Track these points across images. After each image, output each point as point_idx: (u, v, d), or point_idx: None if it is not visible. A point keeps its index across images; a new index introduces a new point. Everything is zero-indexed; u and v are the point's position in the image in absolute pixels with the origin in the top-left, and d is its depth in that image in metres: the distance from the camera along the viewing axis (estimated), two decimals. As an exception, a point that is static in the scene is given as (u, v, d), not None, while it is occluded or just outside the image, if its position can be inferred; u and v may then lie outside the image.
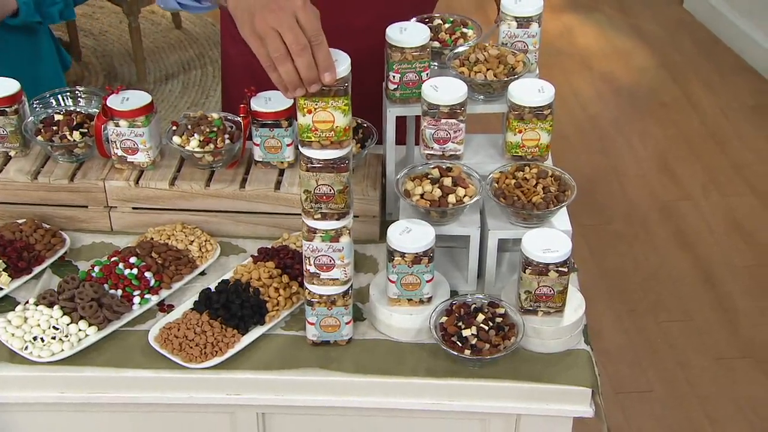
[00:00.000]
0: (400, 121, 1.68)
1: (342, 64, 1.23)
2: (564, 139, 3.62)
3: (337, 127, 1.26)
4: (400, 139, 1.73)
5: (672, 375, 2.70)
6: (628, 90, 4.02)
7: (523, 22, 1.62)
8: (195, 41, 4.27)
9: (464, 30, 1.69)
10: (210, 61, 4.13)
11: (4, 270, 1.54)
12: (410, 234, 1.42)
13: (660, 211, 3.32)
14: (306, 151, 1.28)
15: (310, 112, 1.25)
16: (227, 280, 1.52)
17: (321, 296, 1.40)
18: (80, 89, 1.81)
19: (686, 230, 3.24)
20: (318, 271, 1.37)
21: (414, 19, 1.63)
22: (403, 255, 1.41)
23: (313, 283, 1.39)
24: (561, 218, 1.50)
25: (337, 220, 1.33)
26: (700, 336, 2.83)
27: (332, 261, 1.36)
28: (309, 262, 1.37)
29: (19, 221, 1.64)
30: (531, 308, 1.44)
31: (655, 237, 3.21)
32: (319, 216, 1.33)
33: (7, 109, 1.66)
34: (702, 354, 2.76)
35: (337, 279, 1.38)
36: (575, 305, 1.47)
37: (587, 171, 3.49)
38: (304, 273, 1.39)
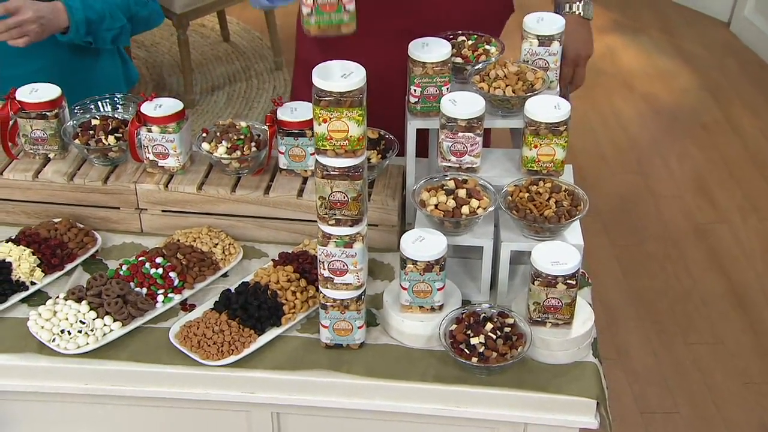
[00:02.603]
0: (425, 134, 1.73)
1: (357, 76, 1.28)
2: (601, 158, 3.62)
3: (351, 136, 1.31)
4: (425, 152, 1.77)
5: (699, 397, 2.68)
6: (669, 111, 4.01)
7: (545, 41, 1.66)
8: (242, 54, 4.37)
9: (487, 47, 1.73)
10: (255, 73, 4.22)
11: (38, 266, 1.62)
12: (423, 243, 1.46)
13: (695, 233, 3.31)
14: (321, 159, 1.33)
15: (325, 121, 1.30)
16: (247, 282, 1.58)
17: (334, 300, 1.44)
18: (119, 96, 1.89)
19: (721, 253, 3.22)
20: (332, 276, 1.42)
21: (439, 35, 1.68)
22: (415, 263, 1.45)
23: (327, 287, 1.43)
24: (573, 232, 1.53)
25: (351, 226, 1.38)
26: (729, 359, 2.80)
27: (345, 266, 1.41)
28: (323, 266, 1.41)
29: (55, 220, 1.72)
30: (539, 319, 1.47)
31: (689, 259, 3.19)
32: (333, 222, 1.38)
33: (47, 113, 1.74)
34: (731, 377, 2.74)
35: (350, 284, 1.42)
36: (584, 318, 1.49)
37: (623, 191, 3.49)
38: (319, 277, 1.43)
